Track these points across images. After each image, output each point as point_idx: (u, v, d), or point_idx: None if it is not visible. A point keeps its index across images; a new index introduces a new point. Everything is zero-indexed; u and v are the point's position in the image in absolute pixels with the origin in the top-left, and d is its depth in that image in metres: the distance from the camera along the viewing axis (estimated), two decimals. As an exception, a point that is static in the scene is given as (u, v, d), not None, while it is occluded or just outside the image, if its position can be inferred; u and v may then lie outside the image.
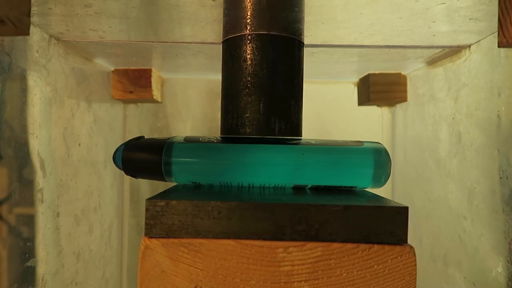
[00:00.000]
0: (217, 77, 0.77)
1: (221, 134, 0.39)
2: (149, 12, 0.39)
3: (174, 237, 0.26)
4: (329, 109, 0.81)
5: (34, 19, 0.42)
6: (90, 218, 0.62)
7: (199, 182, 0.34)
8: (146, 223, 0.27)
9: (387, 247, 0.26)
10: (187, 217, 0.26)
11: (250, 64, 0.37)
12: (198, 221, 0.26)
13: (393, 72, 0.70)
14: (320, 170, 0.33)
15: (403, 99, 0.71)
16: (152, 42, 0.51)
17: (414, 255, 0.26)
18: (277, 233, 0.26)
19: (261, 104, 0.36)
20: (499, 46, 0.31)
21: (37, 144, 0.45)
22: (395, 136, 0.78)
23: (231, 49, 0.38)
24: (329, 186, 0.33)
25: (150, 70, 0.69)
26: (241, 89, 0.37)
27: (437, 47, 0.51)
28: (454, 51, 0.53)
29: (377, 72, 0.70)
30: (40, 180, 0.46)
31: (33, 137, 0.45)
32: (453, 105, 0.55)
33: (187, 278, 0.26)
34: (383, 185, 0.33)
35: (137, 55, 0.59)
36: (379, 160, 0.33)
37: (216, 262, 0.26)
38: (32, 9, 0.35)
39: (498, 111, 0.44)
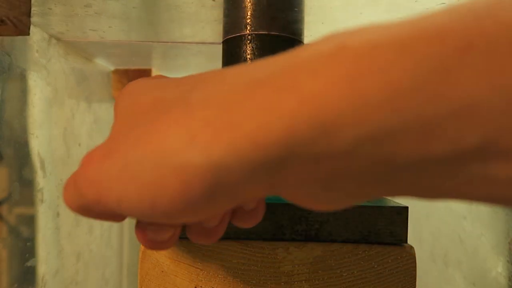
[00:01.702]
0: (217, 77, 0.77)
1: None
2: (149, 12, 0.39)
3: (174, 237, 0.26)
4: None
5: (34, 19, 0.42)
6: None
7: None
8: (146, 223, 0.27)
9: (387, 247, 0.26)
10: (187, 217, 0.26)
11: (250, 64, 0.37)
12: (198, 221, 0.26)
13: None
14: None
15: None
16: (152, 42, 0.51)
17: (414, 255, 0.26)
18: (277, 233, 0.26)
19: (261, 104, 0.36)
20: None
21: (37, 144, 0.45)
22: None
23: (231, 49, 0.38)
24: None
25: (150, 70, 0.69)
26: (241, 89, 0.37)
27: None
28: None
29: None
30: (40, 180, 0.46)
31: (33, 137, 0.45)
32: (453, 105, 0.55)
33: (187, 278, 0.26)
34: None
35: (137, 55, 0.59)
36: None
37: (216, 262, 0.26)
38: (32, 9, 0.35)
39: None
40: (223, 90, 0.15)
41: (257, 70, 0.15)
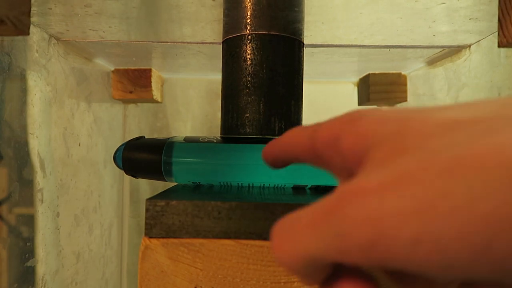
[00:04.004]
0: (217, 77, 0.77)
1: (221, 134, 0.39)
2: (149, 12, 0.39)
3: (174, 237, 0.26)
4: (329, 109, 0.81)
5: (34, 19, 0.42)
6: (90, 218, 0.62)
7: (199, 182, 0.34)
8: (146, 223, 0.27)
9: (387, 247, 0.26)
10: (187, 217, 0.26)
11: (250, 64, 0.37)
12: (198, 221, 0.26)
13: (393, 72, 0.70)
14: (320, 170, 0.33)
15: (403, 99, 0.71)
16: (152, 42, 0.51)
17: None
18: (277, 233, 0.26)
19: (261, 104, 0.36)
20: (499, 46, 0.31)
21: (37, 144, 0.45)
22: (395, 136, 0.78)
23: (231, 49, 0.38)
24: (329, 186, 0.33)
25: (150, 70, 0.69)
26: (241, 89, 0.37)
27: (437, 47, 0.51)
28: (454, 51, 0.53)
29: (377, 72, 0.70)
30: (40, 180, 0.46)
31: (33, 137, 0.45)
32: (453, 105, 0.55)
33: (187, 278, 0.26)
34: (383, 185, 0.33)
35: (137, 55, 0.59)
36: (379, 160, 0.33)
37: (216, 262, 0.26)
38: (32, 9, 0.35)
39: (498, 111, 0.44)
40: None
41: None
